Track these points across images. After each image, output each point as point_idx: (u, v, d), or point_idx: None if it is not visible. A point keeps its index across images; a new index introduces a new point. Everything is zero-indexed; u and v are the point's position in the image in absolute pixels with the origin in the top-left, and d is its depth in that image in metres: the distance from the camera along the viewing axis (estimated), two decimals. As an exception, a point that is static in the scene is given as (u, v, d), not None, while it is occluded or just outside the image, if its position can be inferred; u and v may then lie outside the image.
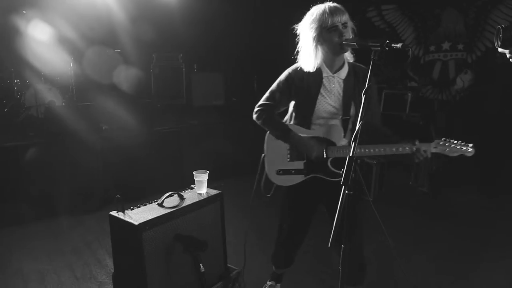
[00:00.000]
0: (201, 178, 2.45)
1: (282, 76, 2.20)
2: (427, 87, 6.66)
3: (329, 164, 2.09)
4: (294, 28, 2.14)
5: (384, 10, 6.87)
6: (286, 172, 2.17)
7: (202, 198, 2.41)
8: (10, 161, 4.06)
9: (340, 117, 2.10)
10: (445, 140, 1.92)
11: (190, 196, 2.42)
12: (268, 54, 6.82)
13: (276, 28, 6.40)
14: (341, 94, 2.09)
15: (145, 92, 6.19)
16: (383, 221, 2.14)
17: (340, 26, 1.96)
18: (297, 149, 2.15)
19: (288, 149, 2.20)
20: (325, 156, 2.08)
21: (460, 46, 6.28)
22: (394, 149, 1.96)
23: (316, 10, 2.02)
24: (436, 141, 1.94)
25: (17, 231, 3.87)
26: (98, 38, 5.83)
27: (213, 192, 2.52)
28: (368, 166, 4.70)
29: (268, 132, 2.26)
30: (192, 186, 2.56)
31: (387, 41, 1.71)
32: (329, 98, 2.09)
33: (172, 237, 2.19)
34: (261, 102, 2.26)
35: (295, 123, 2.20)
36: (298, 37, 2.12)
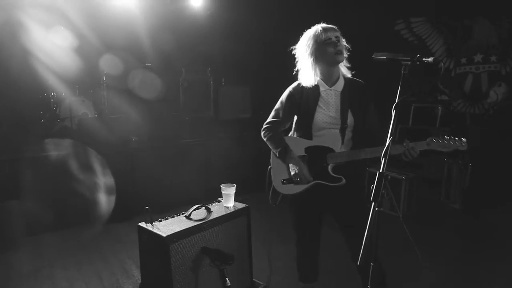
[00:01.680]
0: (229, 191, 2.46)
1: (284, 95, 2.39)
2: (458, 100, 6.49)
3: (329, 170, 2.18)
4: (292, 49, 2.34)
5: (413, 23, 6.78)
6: (290, 181, 2.24)
7: (229, 212, 2.42)
8: (43, 170, 4.20)
9: (339, 126, 2.21)
10: (438, 137, 2.00)
11: (217, 209, 2.44)
12: (295, 68, 6.84)
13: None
14: (339, 105, 2.22)
15: (174, 105, 6.31)
16: (412, 238, 2.09)
17: (334, 39, 2.14)
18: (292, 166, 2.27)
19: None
20: (325, 163, 2.19)
21: (493, 58, 6.11)
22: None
23: (310, 30, 2.25)
24: (430, 138, 2.02)
25: (49, 238, 3.99)
26: (129, 53, 6.01)
27: (240, 205, 2.52)
28: (397, 181, 4.59)
29: None
30: (219, 199, 2.57)
31: (418, 55, 1.70)
32: (327, 109, 2.22)
33: (199, 249, 2.20)
34: (267, 120, 2.46)
35: (298, 135, 2.35)
36: (296, 58, 2.32)
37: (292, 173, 2.21)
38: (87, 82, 5.85)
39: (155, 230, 2.12)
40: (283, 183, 2.27)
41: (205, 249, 2.21)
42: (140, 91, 5.87)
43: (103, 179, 4.44)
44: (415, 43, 6.79)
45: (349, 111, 2.20)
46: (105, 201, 4.41)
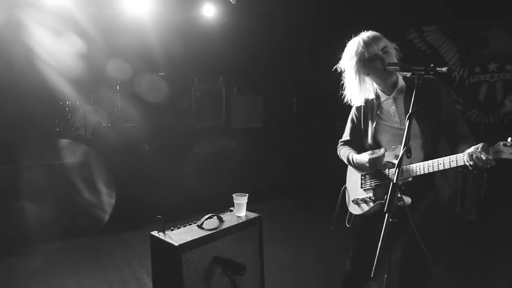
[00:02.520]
0: (241, 201, 2.46)
1: (350, 113, 2.32)
2: (473, 109, 6.41)
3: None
4: (337, 57, 2.14)
5: (425, 32, 6.74)
6: (359, 200, 2.19)
7: (241, 221, 2.41)
8: (57, 177, 4.25)
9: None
10: (506, 142, 1.61)
11: (230, 219, 2.43)
12: (307, 78, 6.87)
13: (316, 52, 6.45)
14: (403, 111, 2.02)
15: (186, 114, 6.36)
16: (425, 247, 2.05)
17: (380, 53, 1.94)
18: (365, 172, 2.19)
19: (361, 176, 2.23)
20: (388, 181, 2.01)
21: (509, 67, 6.03)
22: (450, 161, 1.70)
23: (351, 46, 2.02)
24: (496, 145, 1.65)
25: (61, 245, 4.01)
26: (143, 62, 6.10)
27: (252, 215, 2.51)
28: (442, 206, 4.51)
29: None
30: (231, 208, 2.57)
31: (432, 64, 1.68)
32: (390, 121, 2.06)
33: (211, 259, 2.20)
34: (340, 139, 2.43)
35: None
36: (343, 75, 2.13)
37: (368, 164, 2.05)
38: (101, 91, 5.95)
39: (167, 239, 2.12)
40: (353, 202, 2.24)
41: (217, 258, 2.21)
42: (153, 100, 5.95)
43: (115, 188, 4.48)
44: (428, 52, 6.75)
45: (414, 118, 1.85)
46: (114, 209, 4.44)
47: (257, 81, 6.96)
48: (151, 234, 2.22)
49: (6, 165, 4.03)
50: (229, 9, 6.50)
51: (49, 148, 4.68)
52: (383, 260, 1.49)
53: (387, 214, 1.50)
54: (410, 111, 1.65)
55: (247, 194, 2.49)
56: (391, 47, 2.00)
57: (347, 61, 2.04)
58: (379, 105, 2.09)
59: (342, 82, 2.15)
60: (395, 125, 2.05)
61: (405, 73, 1.86)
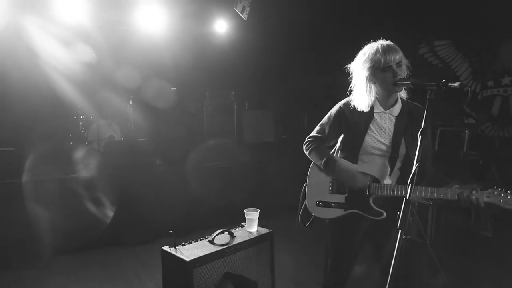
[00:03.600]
0: (252, 216, 2.46)
1: (333, 110, 2.22)
2: (486, 124, 6.33)
3: (371, 201, 2.02)
4: (346, 67, 2.15)
5: (436, 46, 6.73)
6: (326, 204, 2.14)
7: (253, 237, 2.41)
8: (70, 191, 4.29)
9: (389, 154, 2.05)
10: (500, 190, 1.73)
11: (241, 234, 2.43)
12: (319, 92, 6.88)
13: (327, 66, 6.48)
14: (392, 132, 2.05)
15: (198, 128, 6.41)
16: (442, 266, 2.02)
17: (394, 66, 1.94)
18: (340, 180, 2.12)
19: (331, 181, 2.17)
20: (367, 193, 2.03)
21: (522, 81, 5.97)
22: (442, 194, 1.82)
23: (368, 50, 2.01)
24: (490, 189, 1.76)
25: (72, 258, 4.03)
26: (155, 77, 6.20)
27: (264, 230, 2.51)
28: (424, 207, 4.47)
29: (312, 163, 2.27)
30: (242, 223, 2.57)
31: (444, 80, 1.68)
32: (379, 135, 2.06)
33: (222, 275, 2.19)
34: (311, 134, 2.30)
35: (341, 157, 2.19)
36: (351, 76, 2.13)
37: (349, 180, 2.05)
38: (114, 105, 6.04)
39: (179, 254, 2.12)
40: (318, 205, 2.17)
41: (228, 274, 2.20)
42: (165, 114, 6.02)
43: (126, 201, 4.51)
44: (439, 67, 6.72)
45: (403, 139, 2.02)
46: (125, 222, 4.45)
47: (268, 96, 7.00)
48: (162, 249, 2.23)
49: (19, 178, 4.08)
50: (241, 25, 6.59)
51: (63, 161, 4.74)
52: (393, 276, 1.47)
53: (400, 231, 1.48)
54: (422, 126, 1.64)
55: (259, 210, 2.49)
56: (404, 63, 2.01)
57: (360, 65, 2.04)
58: (372, 115, 2.08)
59: (350, 80, 2.14)
60: (381, 139, 2.06)
61: (402, 95, 1.98)
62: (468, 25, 6.06)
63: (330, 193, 2.16)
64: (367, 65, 1.99)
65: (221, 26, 6.68)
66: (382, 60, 1.93)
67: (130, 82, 6.07)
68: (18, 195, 3.97)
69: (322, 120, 2.27)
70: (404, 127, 2.04)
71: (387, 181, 2.02)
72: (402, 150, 2.03)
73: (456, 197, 1.78)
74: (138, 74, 6.12)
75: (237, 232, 2.47)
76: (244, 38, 6.77)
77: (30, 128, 4.92)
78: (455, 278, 3.45)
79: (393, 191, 1.95)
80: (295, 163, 6.04)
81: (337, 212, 2.11)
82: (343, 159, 2.14)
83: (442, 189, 1.82)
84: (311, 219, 2.22)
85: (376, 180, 2.02)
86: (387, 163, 2.02)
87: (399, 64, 1.96)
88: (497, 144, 6.08)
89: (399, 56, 1.96)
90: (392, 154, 2.04)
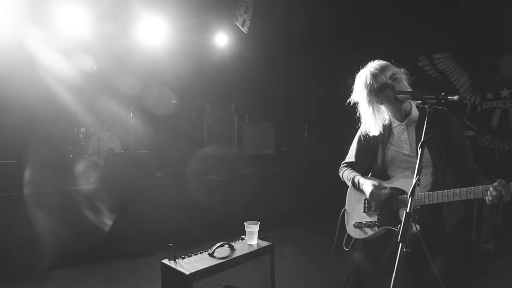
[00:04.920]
0: (252, 229, 2.45)
1: (356, 135, 2.31)
2: (486, 136, 6.34)
3: (400, 215, 1.98)
4: (348, 84, 2.17)
5: (436, 59, 6.77)
6: (361, 224, 2.15)
7: (253, 250, 2.39)
8: (70, 204, 4.28)
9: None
10: None
11: (241, 247, 2.41)
12: (319, 104, 6.92)
13: (327, 79, 6.52)
14: (415, 141, 2.03)
15: (198, 140, 6.41)
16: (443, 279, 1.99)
17: (389, 82, 1.96)
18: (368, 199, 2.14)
19: (365, 200, 2.19)
20: (396, 206, 2.02)
21: (521, 94, 5.99)
22: (467, 193, 1.74)
23: (360, 78, 2.06)
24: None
25: (72, 272, 4.00)
26: (156, 90, 6.24)
27: (264, 243, 2.49)
28: (446, 234, 4.43)
29: (348, 187, 2.33)
30: (242, 236, 2.55)
31: (443, 93, 1.69)
32: (400, 147, 2.06)
33: (222, 288, 2.17)
34: (344, 160, 2.41)
35: (374, 177, 2.21)
36: (358, 107, 2.15)
37: (368, 194, 2.08)
38: (115, 117, 6.06)
39: (178, 268, 2.11)
40: (354, 226, 2.19)
41: (228, 287, 2.18)
42: (165, 126, 6.03)
43: (126, 214, 4.49)
44: (439, 79, 6.76)
45: (425, 146, 1.84)
46: (125, 235, 4.43)
47: (269, 108, 7.03)
48: (162, 262, 2.22)
49: (19, 191, 4.08)
50: (241, 38, 6.65)
51: (63, 174, 4.74)
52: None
53: (401, 244, 1.47)
54: (422, 139, 1.64)
55: (259, 222, 2.48)
56: (400, 73, 2.02)
57: (359, 94, 2.08)
58: (391, 131, 2.10)
59: (358, 114, 2.17)
60: (405, 151, 2.05)
61: (416, 101, 1.90)
62: (467, 38, 6.11)
63: (364, 212, 2.19)
64: (365, 92, 2.03)
65: (222, 39, 6.74)
66: (374, 82, 1.96)
67: (130, 95, 6.11)
68: (18, 208, 3.96)
69: (351, 145, 2.36)
70: (423, 131, 1.94)
71: (417, 192, 1.93)
72: (426, 157, 1.97)
73: (490, 194, 1.67)
74: (139, 86, 6.16)
75: (237, 245, 2.45)
76: (245, 51, 6.83)
77: (31, 140, 4.92)
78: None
79: (420, 200, 1.89)
80: (295, 175, 6.05)
81: (372, 231, 2.11)
82: (371, 178, 2.19)
83: (467, 188, 1.75)
84: (352, 241, 2.22)
85: (403, 193, 2.00)
86: (410, 173, 1.99)
87: (394, 78, 1.98)
88: (497, 157, 6.08)
89: (390, 71, 1.98)
90: (420, 160, 1.98)
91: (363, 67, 2.08)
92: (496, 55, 6.21)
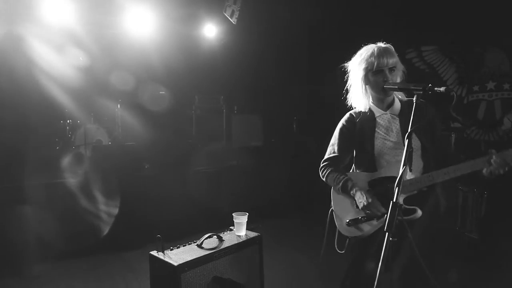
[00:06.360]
0: (241, 220, 2.45)
1: (337, 128, 2.24)
2: (472, 127, 6.43)
3: (401, 202, 1.94)
4: (342, 67, 2.17)
5: (424, 52, 6.82)
6: (356, 221, 2.04)
7: (241, 241, 2.40)
8: (57, 196, 4.24)
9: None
10: None
11: (229, 238, 2.42)
12: (308, 96, 6.92)
13: (316, 71, 6.52)
14: (399, 129, 2.05)
15: (187, 132, 6.38)
16: (428, 268, 2.02)
17: (386, 70, 1.97)
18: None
19: None
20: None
21: (507, 86, 6.08)
22: (469, 166, 1.83)
23: (365, 51, 2.05)
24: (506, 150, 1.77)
25: (60, 265, 3.97)
26: (144, 81, 6.17)
27: (252, 234, 2.50)
28: (411, 210, 4.51)
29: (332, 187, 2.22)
30: (231, 227, 2.56)
31: (430, 84, 1.71)
32: (387, 135, 2.06)
33: (211, 279, 2.18)
34: (324, 158, 2.27)
35: (361, 170, 2.16)
36: (347, 75, 2.15)
37: (360, 206, 1.99)
38: (102, 109, 5.99)
39: (167, 259, 2.11)
40: (348, 224, 2.07)
41: (217, 278, 2.19)
42: (153, 118, 5.98)
43: (114, 206, 4.46)
44: (426, 71, 6.82)
45: (413, 133, 1.89)
46: (114, 228, 4.41)
47: (258, 100, 7.01)
48: (150, 253, 2.21)
49: (5, 184, 4.02)
50: (230, 29, 6.60)
51: (49, 166, 4.67)
52: (384, 280, 1.48)
53: (387, 234, 1.49)
54: (409, 130, 1.66)
55: (247, 213, 2.48)
56: (400, 68, 2.05)
57: (356, 65, 2.07)
58: (375, 120, 2.09)
59: (346, 86, 2.16)
60: (391, 139, 2.05)
61: (402, 92, 1.92)
62: (455, 31, 6.16)
63: (357, 209, 2.07)
64: (362, 66, 2.03)
65: (211, 30, 6.68)
66: (376, 63, 1.96)
67: (118, 86, 6.03)
68: (3, 201, 3.90)
69: (331, 140, 2.27)
70: (410, 122, 1.99)
71: (410, 176, 1.97)
72: (416, 142, 1.99)
73: (489, 164, 1.78)
74: (126, 77, 6.08)
75: (226, 236, 2.46)
76: (233, 42, 6.78)
77: (16, 132, 4.84)
78: (441, 284, 3.48)
79: (417, 183, 1.91)
80: (284, 167, 6.07)
81: (370, 225, 2.02)
82: (363, 173, 2.11)
83: (468, 161, 1.83)
84: (347, 242, 2.11)
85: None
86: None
87: (392, 69, 1.99)
88: (483, 148, 6.17)
89: (393, 60, 1.99)
90: (407, 149, 1.98)
91: (373, 43, 2.06)
92: (482, 48, 6.27)
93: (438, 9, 5.94)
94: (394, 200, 1.53)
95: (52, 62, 5.36)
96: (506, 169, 1.75)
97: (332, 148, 2.24)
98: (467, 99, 6.50)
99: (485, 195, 4.72)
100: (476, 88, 6.41)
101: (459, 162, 1.87)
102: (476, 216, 4.74)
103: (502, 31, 5.85)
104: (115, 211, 4.43)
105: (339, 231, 2.14)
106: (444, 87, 1.66)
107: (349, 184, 2.07)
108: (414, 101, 1.72)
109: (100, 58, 5.87)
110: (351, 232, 2.08)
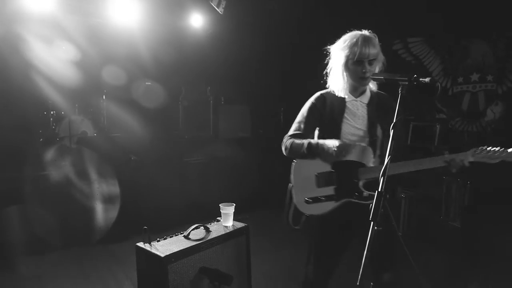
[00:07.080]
0: (228, 210, 2.46)
1: (306, 105, 2.25)
2: (456, 119, 6.53)
3: (361, 186, 2.00)
4: (325, 49, 2.20)
5: (410, 43, 6.87)
6: (316, 199, 2.06)
7: (228, 231, 2.41)
8: (41, 189, 4.18)
9: (368, 139, 2.08)
10: (481, 149, 1.84)
11: (216, 229, 2.42)
12: (295, 87, 6.91)
13: (303, 62, 6.51)
14: (366, 117, 2.11)
15: (174, 123, 6.33)
16: (413, 257, 2.06)
17: (366, 62, 2.01)
18: (329, 159, 2.07)
19: (317, 175, 2.11)
20: (355, 180, 2.01)
21: (490, 77, 6.17)
22: (428, 163, 1.90)
23: (349, 38, 2.06)
24: (473, 149, 1.86)
25: (45, 258, 3.94)
26: (130, 72, 6.07)
27: (239, 225, 2.51)
28: (396, 200, 4.58)
29: (295, 162, 2.21)
30: (218, 218, 2.56)
31: (415, 75, 1.73)
32: (354, 121, 2.11)
33: (198, 269, 2.18)
34: (288, 133, 2.28)
35: None
36: (329, 57, 2.18)
37: (333, 148, 1.96)
38: (87, 100, 5.89)
39: (153, 250, 2.10)
40: (307, 202, 2.08)
41: (204, 269, 2.19)
42: (139, 109, 5.91)
43: (101, 199, 4.43)
44: (412, 63, 6.87)
45: (378, 124, 2.08)
46: (103, 219, 4.38)
47: (245, 90, 6.98)
48: (136, 245, 2.20)
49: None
50: (217, 20, 6.53)
51: (32, 158, 4.59)
52: (368, 268, 1.50)
53: (372, 223, 1.51)
54: (394, 121, 1.67)
55: (234, 204, 2.49)
56: (380, 60, 2.08)
57: (339, 50, 2.09)
58: (345, 104, 2.13)
59: (327, 69, 2.19)
60: (357, 125, 2.11)
61: (384, 82, 1.95)
62: (440, 23, 6.21)
63: (318, 187, 2.09)
64: (344, 53, 2.06)
65: (197, 20, 6.60)
66: (357, 53, 1.99)
67: (103, 76, 5.93)
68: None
69: (297, 118, 2.27)
70: (376, 112, 2.12)
71: (373, 163, 2.03)
72: (380, 132, 2.08)
73: (446, 163, 1.87)
74: (111, 68, 5.98)
75: (213, 226, 2.46)
76: (220, 33, 6.71)
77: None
78: (426, 270, 3.56)
79: (379, 171, 1.92)
80: (271, 158, 6.08)
81: (329, 205, 2.04)
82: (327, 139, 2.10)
83: (429, 158, 1.90)
84: (303, 218, 2.13)
85: (362, 165, 2.01)
86: (368, 147, 2.04)
87: (371, 62, 2.02)
88: (466, 138, 6.28)
89: (374, 52, 2.02)
90: (371, 138, 2.07)
91: (359, 30, 2.09)
92: (467, 40, 6.34)
93: (425, 1, 5.99)
94: (379, 190, 1.55)
95: (34, 52, 5.24)
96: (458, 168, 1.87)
97: (298, 125, 2.23)
98: (452, 90, 6.58)
99: (468, 185, 4.82)
100: (460, 79, 6.49)
101: (407, 155, 1.96)
102: (459, 205, 4.84)
103: (487, 24, 5.93)
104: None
105: (295, 207, 2.15)
106: (429, 78, 1.68)
107: (314, 142, 2.08)
108: (400, 92, 1.74)
109: (84, 48, 5.75)
110: (309, 210, 2.09)
